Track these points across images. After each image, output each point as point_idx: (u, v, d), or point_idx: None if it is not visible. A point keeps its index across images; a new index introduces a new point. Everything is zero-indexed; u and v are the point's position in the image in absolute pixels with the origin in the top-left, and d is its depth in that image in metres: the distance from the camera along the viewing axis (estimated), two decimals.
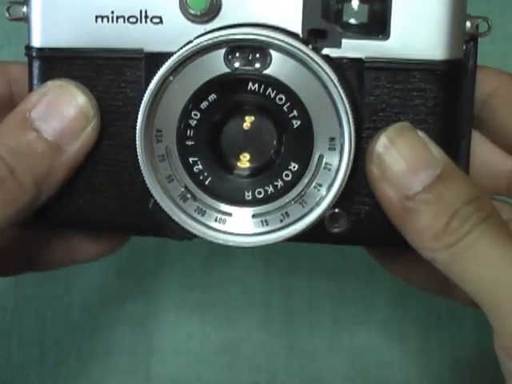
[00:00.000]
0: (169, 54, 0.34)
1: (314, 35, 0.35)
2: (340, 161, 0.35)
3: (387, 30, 0.34)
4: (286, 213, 0.36)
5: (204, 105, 0.35)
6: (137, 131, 0.35)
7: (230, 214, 0.36)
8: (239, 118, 0.36)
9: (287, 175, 0.35)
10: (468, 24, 0.36)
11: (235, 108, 0.35)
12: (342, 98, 0.34)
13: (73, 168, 0.36)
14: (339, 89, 0.34)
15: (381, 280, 0.56)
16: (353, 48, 0.35)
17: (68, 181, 0.36)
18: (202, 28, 0.35)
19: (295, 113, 0.35)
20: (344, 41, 0.35)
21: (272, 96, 0.34)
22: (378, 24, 0.35)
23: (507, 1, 0.57)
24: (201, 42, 0.34)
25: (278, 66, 0.34)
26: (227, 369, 0.56)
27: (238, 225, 0.36)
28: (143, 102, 0.34)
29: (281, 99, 0.34)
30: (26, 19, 0.36)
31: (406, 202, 0.34)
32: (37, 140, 0.35)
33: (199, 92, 0.35)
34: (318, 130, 0.35)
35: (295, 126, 0.35)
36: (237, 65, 0.34)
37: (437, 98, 0.35)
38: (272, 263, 0.56)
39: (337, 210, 0.36)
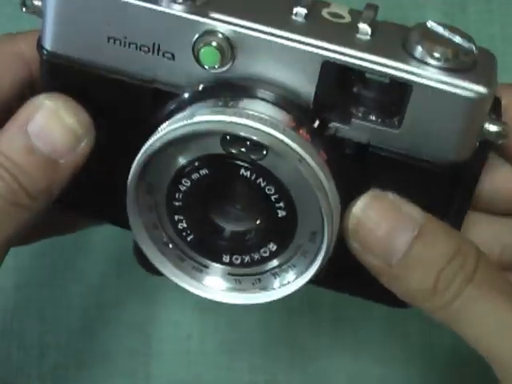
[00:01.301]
0: (178, 96, 0.35)
1: (325, 107, 0.34)
2: (317, 254, 0.35)
3: (400, 119, 0.34)
4: (259, 279, 0.37)
5: (195, 176, 0.35)
6: (128, 182, 0.35)
7: (206, 267, 0.37)
8: (227, 196, 0.36)
9: (265, 251, 0.36)
10: (486, 126, 0.34)
11: (225, 186, 0.35)
12: (326, 200, 0.33)
13: (71, 176, 0.36)
14: (325, 192, 0.33)
15: None
16: (360, 129, 0.34)
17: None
18: (212, 75, 0.34)
19: (282, 204, 0.34)
20: (353, 120, 0.34)
21: (262, 185, 0.34)
22: (391, 112, 0.34)
23: (507, 1, 0.56)
24: (197, 129, 0.33)
25: (272, 161, 0.33)
26: (227, 369, 0.56)
27: (213, 278, 0.37)
28: (137, 159, 0.34)
29: (270, 190, 0.34)
30: (40, 14, 0.36)
31: (391, 270, 0.34)
32: (35, 156, 0.35)
33: (192, 162, 0.34)
34: (301, 222, 0.35)
35: (280, 215, 0.35)
36: (232, 150, 0.34)
37: (437, 196, 0.35)
38: None
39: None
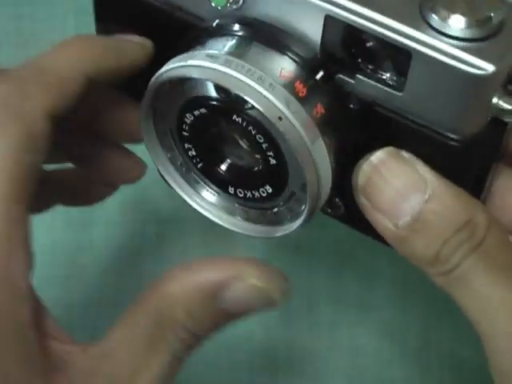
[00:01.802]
0: (198, 29, 0.36)
1: (331, 59, 0.34)
2: (306, 204, 0.35)
3: (403, 83, 0.33)
4: (263, 215, 0.38)
5: (196, 113, 0.36)
6: (141, 105, 0.36)
7: (218, 193, 0.39)
8: (227, 136, 0.37)
9: (263, 192, 0.36)
10: (495, 102, 0.32)
11: (222, 127, 0.36)
12: (309, 160, 0.33)
13: None
14: (307, 152, 0.33)
15: (380, 280, 0.56)
16: (366, 86, 0.34)
17: None
18: (228, 12, 0.35)
19: (272, 153, 0.34)
20: (359, 76, 0.34)
21: (253, 133, 0.34)
22: (397, 73, 0.34)
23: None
24: (186, 73, 0.34)
25: (259, 112, 0.34)
26: (227, 369, 0.56)
27: (224, 203, 0.39)
28: (148, 86, 0.35)
29: (260, 138, 0.34)
30: None
31: (397, 231, 0.33)
32: None
33: (192, 101, 0.35)
34: (292, 172, 0.35)
35: (271, 163, 0.35)
36: (223, 96, 0.34)
37: (442, 167, 0.34)
38: (271, 263, 0.56)
39: (336, 200, 0.38)
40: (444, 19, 0.31)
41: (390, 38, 0.32)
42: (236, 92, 0.33)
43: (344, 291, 0.57)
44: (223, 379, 0.56)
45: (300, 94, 0.34)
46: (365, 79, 0.34)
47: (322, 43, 0.34)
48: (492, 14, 0.31)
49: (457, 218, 0.32)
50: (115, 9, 0.40)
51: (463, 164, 0.34)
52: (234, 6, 0.35)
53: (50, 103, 0.34)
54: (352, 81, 0.34)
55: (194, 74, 0.34)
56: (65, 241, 0.57)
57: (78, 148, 0.43)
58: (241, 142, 0.37)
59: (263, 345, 0.57)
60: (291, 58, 0.34)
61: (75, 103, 0.36)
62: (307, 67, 0.34)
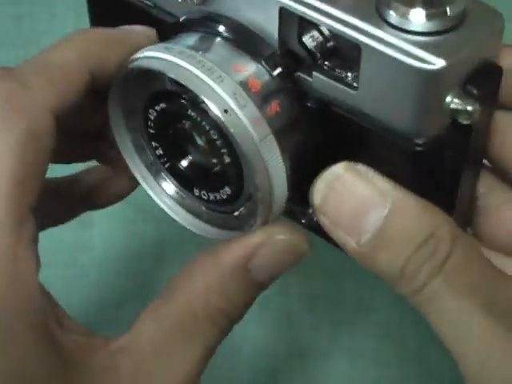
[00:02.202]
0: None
1: (289, 56, 0.34)
2: (257, 209, 0.34)
3: (357, 81, 0.32)
4: (227, 219, 0.37)
5: (157, 108, 0.35)
6: (109, 97, 0.36)
7: (184, 195, 0.38)
8: (187, 131, 0.35)
9: (223, 193, 0.35)
10: (448, 102, 0.30)
11: (182, 122, 0.35)
12: (257, 158, 0.32)
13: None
14: (256, 150, 0.32)
15: (380, 282, 0.56)
16: (322, 85, 0.33)
17: None
18: (195, 8, 0.35)
19: (225, 150, 0.33)
20: (315, 74, 0.33)
21: (207, 128, 0.33)
22: (350, 71, 0.33)
23: (507, 1, 0.56)
24: (139, 64, 0.34)
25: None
26: (227, 369, 0.56)
27: (190, 205, 0.38)
28: (116, 80, 0.35)
29: (214, 134, 0.33)
30: None
31: (359, 249, 0.31)
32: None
33: (153, 95, 0.35)
34: (247, 172, 0.33)
35: (226, 162, 0.34)
36: (178, 89, 0.33)
37: (401, 171, 0.32)
38: None
39: (309, 211, 0.36)
40: (402, 15, 0.30)
41: (339, 30, 0.31)
42: (184, 83, 0.32)
43: (344, 292, 0.57)
44: (223, 379, 0.56)
45: (253, 90, 0.33)
46: (322, 77, 0.33)
47: (279, 39, 0.33)
48: (450, 7, 0.30)
49: (419, 233, 0.30)
50: (105, 9, 0.40)
51: (427, 170, 0.32)
52: (196, 1, 0.35)
53: (53, 99, 0.33)
54: (310, 79, 0.33)
55: (145, 64, 0.33)
56: (65, 241, 0.57)
57: (102, 146, 0.42)
58: (198, 139, 0.36)
59: (263, 345, 0.57)
60: (249, 54, 0.34)
61: (80, 100, 0.35)
62: (265, 63, 0.34)
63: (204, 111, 0.33)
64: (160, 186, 0.38)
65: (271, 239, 0.33)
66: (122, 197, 0.44)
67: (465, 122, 0.30)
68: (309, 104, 0.33)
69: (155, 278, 0.57)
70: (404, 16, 0.30)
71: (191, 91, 0.32)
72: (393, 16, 0.30)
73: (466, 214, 0.36)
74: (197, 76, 0.32)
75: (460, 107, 0.30)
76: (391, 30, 0.30)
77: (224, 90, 0.32)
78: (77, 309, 0.57)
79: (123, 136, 0.38)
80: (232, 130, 0.32)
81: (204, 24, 0.35)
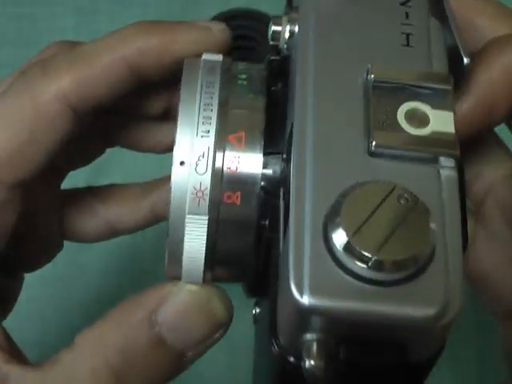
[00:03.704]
0: None
1: None
2: None
3: None
4: None
5: None
6: None
7: None
8: None
9: None
10: None
11: None
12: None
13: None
14: None
15: None
16: None
17: None
18: None
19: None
20: None
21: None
22: None
23: (507, 0, 0.56)
24: None
25: None
26: (227, 368, 0.56)
27: None
28: None
29: None
30: None
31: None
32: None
33: None
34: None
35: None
36: None
37: None
38: None
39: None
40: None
41: None
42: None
43: None
44: (223, 379, 0.56)
45: (228, 170, 0.30)
46: None
47: None
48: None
49: None
50: None
51: None
52: None
53: (69, 86, 0.32)
54: None
55: None
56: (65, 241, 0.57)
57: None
58: None
59: None
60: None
61: (116, 95, 0.33)
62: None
63: None
64: None
65: (178, 288, 0.32)
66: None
67: None
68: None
69: (155, 278, 0.57)
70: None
71: None
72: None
73: None
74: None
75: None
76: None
77: (197, 144, 0.30)
78: (77, 309, 0.57)
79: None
80: (172, 185, 0.30)
81: None
